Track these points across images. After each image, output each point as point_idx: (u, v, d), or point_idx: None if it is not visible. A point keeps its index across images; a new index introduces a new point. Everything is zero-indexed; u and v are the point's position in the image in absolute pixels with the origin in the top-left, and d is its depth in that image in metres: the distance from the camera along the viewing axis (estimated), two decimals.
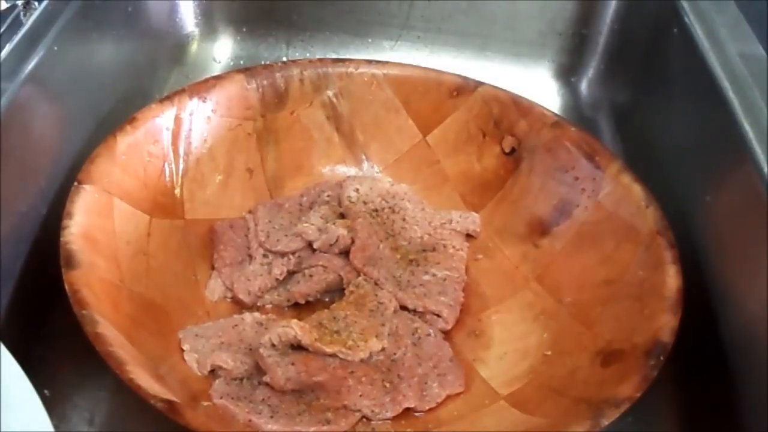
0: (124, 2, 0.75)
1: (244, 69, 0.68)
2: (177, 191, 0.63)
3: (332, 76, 0.69)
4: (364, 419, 0.53)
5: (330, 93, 0.69)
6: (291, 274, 0.62)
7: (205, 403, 0.50)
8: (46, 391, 0.49)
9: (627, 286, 0.56)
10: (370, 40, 0.87)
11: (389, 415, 0.53)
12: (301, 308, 0.61)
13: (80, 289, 0.49)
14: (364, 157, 0.71)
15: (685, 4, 0.69)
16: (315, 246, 0.61)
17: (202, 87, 0.65)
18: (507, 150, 0.67)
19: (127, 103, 0.70)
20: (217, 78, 0.67)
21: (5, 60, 0.56)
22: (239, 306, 0.60)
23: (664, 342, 0.50)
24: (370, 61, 0.70)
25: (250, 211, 0.65)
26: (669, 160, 0.69)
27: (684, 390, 0.58)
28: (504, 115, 0.67)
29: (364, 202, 0.66)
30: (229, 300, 0.61)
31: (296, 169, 0.69)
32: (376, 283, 0.60)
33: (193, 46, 0.87)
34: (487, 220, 0.67)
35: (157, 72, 0.82)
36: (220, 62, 0.87)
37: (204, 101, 0.65)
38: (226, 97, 0.66)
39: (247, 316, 0.58)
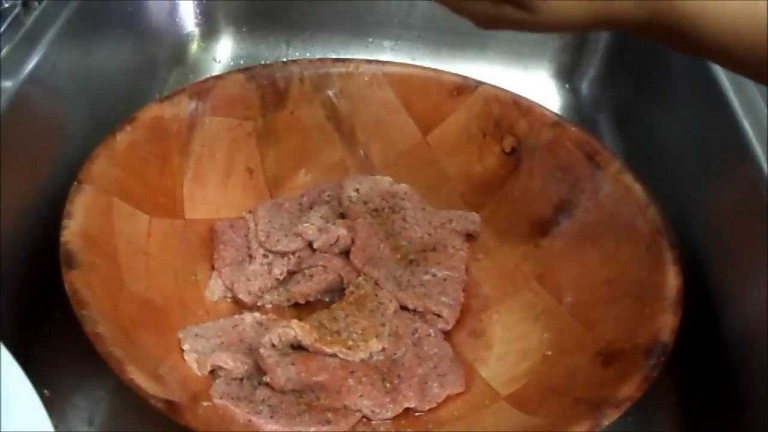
0: (124, 2, 0.75)
1: (244, 69, 0.68)
2: (177, 191, 0.63)
3: (332, 76, 0.69)
4: (365, 419, 0.53)
5: (330, 93, 0.69)
6: (291, 274, 0.62)
7: (205, 403, 0.50)
8: (46, 391, 0.49)
9: (627, 286, 0.56)
10: (370, 40, 0.87)
11: (389, 415, 0.53)
12: (301, 308, 0.61)
13: (80, 289, 0.49)
14: (364, 157, 0.71)
15: None
16: (315, 246, 0.61)
17: (202, 87, 0.65)
18: (507, 150, 0.67)
19: (127, 103, 0.70)
20: (217, 78, 0.67)
21: (5, 60, 0.56)
22: (239, 306, 0.60)
23: (665, 342, 0.50)
24: (370, 61, 0.70)
25: (250, 211, 0.65)
26: (669, 160, 0.69)
27: (684, 390, 0.58)
28: (504, 115, 0.67)
29: (364, 202, 0.65)
30: (229, 300, 0.61)
31: (296, 169, 0.69)
32: (376, 283, 0.60)
33: (193, 46, 0.87)
34: (487, 220, 0.67)
35: (157, 72, 0.82)
36: (220, 62, 0.87)
37: (204, 101, 0.65)
38: (226, 97, 0.66)
39: (247, 316, 0.58)
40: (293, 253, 0.62)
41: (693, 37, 0.41)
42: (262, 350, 0.53)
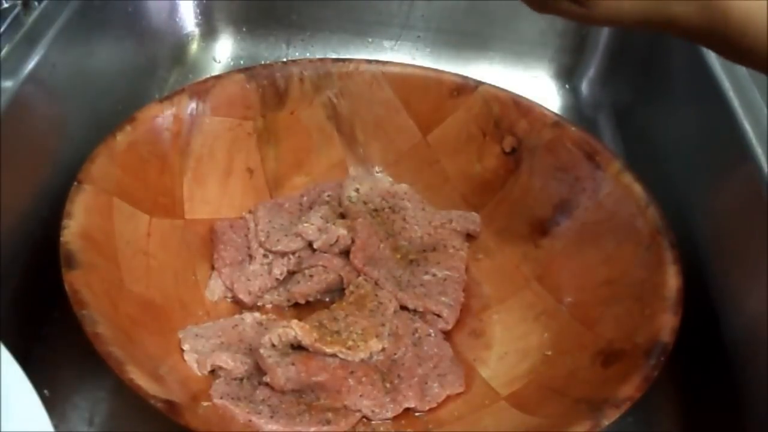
0: (124, 2, 0.75)
1: (244, 69, 0.68)
2: (177, 191, 0.63)
3: (332, 76, 0.69)
4: (365, 419, 0.53)
5: (330, 93, 0.69)
6: (291, 274, 0.62)
7: (205, 403, 0.50)
8: (46, 391, 0.49)
9: (627, 286, 0.56)
10: (370, 40, 0.87)
11: (389, 415, 0.53)
12: (301, 308, 0.61)
13: (80, 289, 0.49)
14: (364, 157, 0.71)
15: None
16: (315, 246, 0.61)
17: (202, 87, 0.65)
18: (507, 150, 0.67)
19: (127, 103, 0.70)
20: (217, 78, 0.67)
21: (5, 60, 0.56)
22: (239, 306, 0.60)
23: (665, 342, 0.50)
24: (370, 61, 0.70)
25: (250, 211, 0.65)
26: (669, 160, 0.69)
27: (684, 390, 0.58)
28: (504, 115, 0.67)
29: (364, 202, 0.66)
30: (229, 300, 0.61)
31: (296, 169, 0.69)
32: (376, 283, 0.60)
33: (193, 46, 0.87)
34: (487, 220, 0.67)
35: (157, 72, 0.82)
36: (220, 62, 0.87)
37: (204, 101, 0.65)
38: (226, 97, 0.66)
39: (247, 316, 0.58)
40: (293, 253, 0.62)
41: (742, 45, 0.42)
42: (262, 350, 0.53)
